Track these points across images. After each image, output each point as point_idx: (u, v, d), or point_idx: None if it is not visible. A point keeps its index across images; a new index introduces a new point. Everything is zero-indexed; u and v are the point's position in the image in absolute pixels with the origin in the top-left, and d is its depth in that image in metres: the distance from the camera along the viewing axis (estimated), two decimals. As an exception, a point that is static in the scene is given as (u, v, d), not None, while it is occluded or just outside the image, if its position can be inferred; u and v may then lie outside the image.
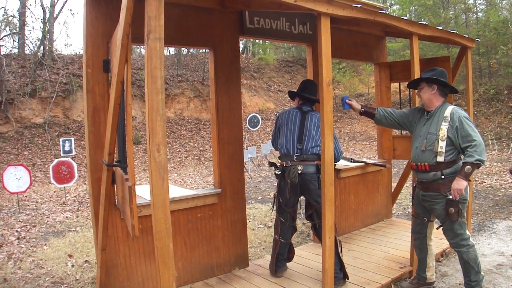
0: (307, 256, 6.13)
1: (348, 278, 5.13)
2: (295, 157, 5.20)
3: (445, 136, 4.51)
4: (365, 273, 5.40)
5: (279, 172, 5.34)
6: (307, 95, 5.46)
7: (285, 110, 5.53)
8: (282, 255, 5.50)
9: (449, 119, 4.53)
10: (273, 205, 5.58)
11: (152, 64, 2.81)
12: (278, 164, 5.41)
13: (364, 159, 8.23)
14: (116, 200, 4.57)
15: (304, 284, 5.19)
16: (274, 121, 5.86)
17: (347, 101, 5.23)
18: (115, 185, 4.37)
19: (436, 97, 4.73)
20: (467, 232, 4.65)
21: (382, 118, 5.20)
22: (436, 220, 4.87)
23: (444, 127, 4.53)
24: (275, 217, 5.60)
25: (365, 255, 6.06)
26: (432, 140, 4.61)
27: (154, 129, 2.82)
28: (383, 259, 5.91)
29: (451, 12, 26.46)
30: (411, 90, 5.47)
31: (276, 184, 5.60)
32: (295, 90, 5.59)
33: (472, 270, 4.61)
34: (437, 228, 4.80)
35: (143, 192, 5.33)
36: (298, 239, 7.40)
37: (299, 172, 5.13)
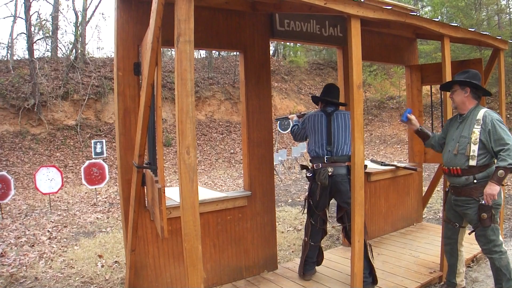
0: (336, 260, 6.10)
1: (376, 283, 5.09)
2: (325, 159, 5.20)
3: (477, 140, 4.43)
4: (394, 278, 5.34)
5: (310, 175, 5.34)
6: (329, 98, 5.44)
7: (311, 114, 5.53)
8: (311, 258, 5.49)
9: (481, 122, 4.45)
10: (304, 207, 5.58)
11: (182, 66, 2.83)
12: (310, 167, 5.40)
13: (395, 163, 8.15)
14: (146, 201, 4.61)
15: (333, 288, 5.17)
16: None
17: (408, 114, 5.13)
18: (145, 187, 4.41)
19: (469, 100, 4.66)
20: (500, 238, 4.55)
21: (436, 144, 5.12)
22: (469, 225, 4.79)
23: (477, 130, 4.45)
24: (305, 219, 5.59)
25: (395, 260, 6.00)
26: (464, 144, 4.54)
27: (184, 131, 2.84)
28: (412, 263, 5.84)
29: (483, 14, 26.06)
30: (442, 92, 5.40)
31: (307, 187, 5.57)
32: (318, 95, 5.61)
33: (504, 277, 4.53)
34: (469, 233, 4.73)
35: (173, 194, 5.37)
36: (328, 243, 7.36)
37: (330, 173, 5.13)
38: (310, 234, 5.46)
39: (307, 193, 5.53)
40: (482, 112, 4.52)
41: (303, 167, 5.66)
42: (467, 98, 4.66)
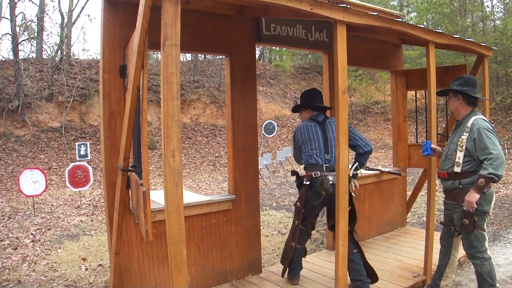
0: (321, 264, 6.11)
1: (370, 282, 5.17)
2: (324, 167, 5.16)
3: (464, 147, 4.48)
4: (378, 282, 5.36)
5: (308, 182, 5.24)
6: (318, 104, 5.45)
7: (301, 125, 5.44)
8: (297, 260, 5.51)
9: (469, 129, 4.50)
10: (295, 214, 5.44)
11: (168, 70, 2.83)
12: (305, 174, 5.35)
13: (379, 167, 8.19)
14: (130, 204, 4.59)
15: (317, 291, 5.17)
16: (292, 138, 5.77)
17: (432, 146, 5.12)
18: (129, 189, 4.39)
19: (463, 107, 4.73)
20: (485, 245, 4.57)
21: None
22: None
23: (464, 138, 4.51)
24: (292, 223, 5.55)
25: (379, 264, 6.01)
26: (452, 150, 4.63)
27: (169, 135, 2.84)
28: (396, 267, 5.88)
29: (468, 20, 26.32)
30: (427, 98, 5.45)
31: (299, 192, 5.47)
32: (299, 104, 5.59)
33: (486, 282, 4.55)
34: (455, 235, 4.78)
35: (157, 197, 5.36)
36: (312, 246, 7.37)
37: (331, 182, 5.08)
38: (298, 239, 5.40)
39: (298, 200, 5.36)
40: (472, 119, 4.56)
41: (294, 173, 5.59)
42: (461, 105, 4.73)
